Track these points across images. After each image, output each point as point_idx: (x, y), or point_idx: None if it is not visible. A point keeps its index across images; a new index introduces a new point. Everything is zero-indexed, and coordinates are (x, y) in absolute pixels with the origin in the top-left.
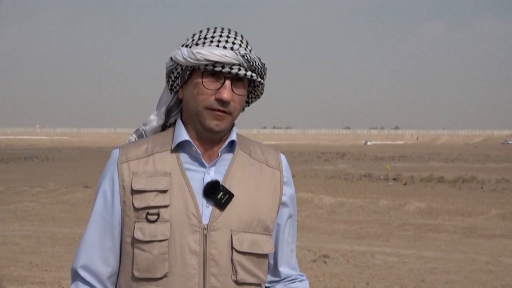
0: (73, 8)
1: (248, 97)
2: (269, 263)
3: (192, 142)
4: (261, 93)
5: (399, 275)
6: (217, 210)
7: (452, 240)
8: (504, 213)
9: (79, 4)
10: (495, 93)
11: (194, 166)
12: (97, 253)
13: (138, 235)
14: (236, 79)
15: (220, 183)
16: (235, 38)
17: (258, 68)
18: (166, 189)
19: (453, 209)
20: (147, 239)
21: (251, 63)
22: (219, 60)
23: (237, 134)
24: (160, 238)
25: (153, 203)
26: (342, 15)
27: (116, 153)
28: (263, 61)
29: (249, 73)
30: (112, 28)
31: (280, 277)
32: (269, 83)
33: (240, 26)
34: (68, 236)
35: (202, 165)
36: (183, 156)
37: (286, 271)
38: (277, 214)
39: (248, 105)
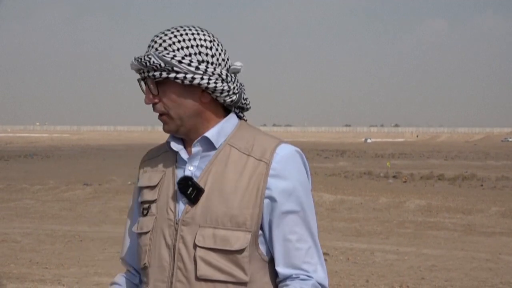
0: (73, 7)
1: (214, 93)
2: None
3: (173, 142)
4: (216, 88)
5: (399, 273)
6: (189, 206)
7: (452, 237)
8: (504, 210)
9: (79, 2)
10: (495, 91)
11: (182, 163)
12: (126, 246)
13: (135, 227)
14: (157, 82)
15: (193, 178)
16: (150, 41)
17: (152, 65)
18: (155, 184)
19: (453, 206)
20: (138, 231)
21: (144, 63)
22: (132, 69)
23: (241, 129)
24: (144, 230)
25: (145, 198)
26: (342, 13)
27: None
28: (172, 55)
29: (146, 73)
30: (112, 27)
31: (278, 277)
32: (269, 81)
33: (240, 25)
34: (68, 233)
35: (185, 162)
36: (178, 154)
37: (283, 271)
38: (260, 209)
39: (224, 101)
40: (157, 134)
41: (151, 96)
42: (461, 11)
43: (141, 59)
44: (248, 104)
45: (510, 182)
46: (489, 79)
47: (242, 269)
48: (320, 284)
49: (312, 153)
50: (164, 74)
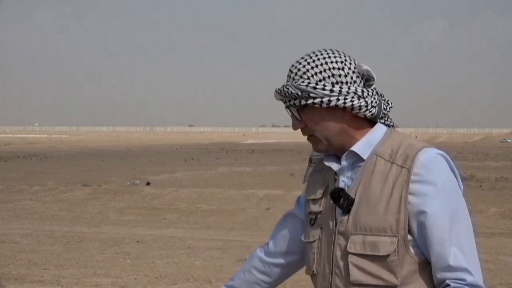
0: (73, 8)
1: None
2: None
3: (325, 158)
4: (353, 106)
5: None
6: (342, 215)
7: None
8: (503, 211)
9: (79, 3)
10: (494, 91)
11: (339, 176)
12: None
13: (303, 237)
14: (298, 108)
15: (343, 189)
16: (288, 71)
17: (291, 95)
18: (319, 197)
19: None
20: (306, 240)
21: (284, 94)
22: (276, 99)
23: (390, 137)
24: (311, 240)
25: (312, 209)
26: (341, 13)
27: (307, 173)
28: (304, 84)
29: (287, 103)
30: (111, 28)
31: (437, 283)
32: (268, 81)
33: (240, 25)
34: (67, 234)
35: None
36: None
37: (439, 275)
38: (405, 215)
39: (365, 115)
40: (156, 135)
41: (297, 123)
42: (460, 11)
43: (281, 90)
44: (390, 109)
45: (509, 183)
46: (488, 80)
47: (393, 273)
48: (476, 286)
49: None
50: (303, 102)
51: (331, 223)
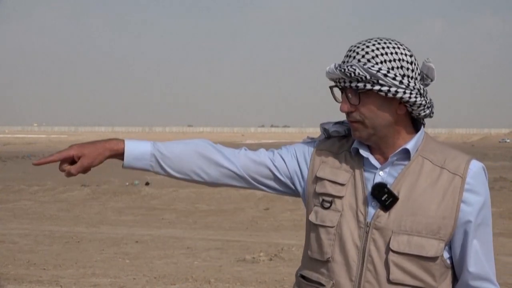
0: (72, 7)
1: (410, 106)
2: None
3: (360, 148)
4: (415, 103)
5: None
6: (381, 211)
7: None
8: (502, 211)
9: (78, 2)
10: (493, 91)
11: (370, 168)
12: (247, 154)
13: (312, 217)
14: (352, 91)
15: (387, 186)
16: (349, 51)
17: (357, 76)
18: (344, 183)
19: None
20: (318, 222)
21: (348, 74)
22: (328, 77)
23: (428, 141)
24: (328, 225)
25: (329, 191)
26: (340, 13)
27: (317, 140)
28: (377, 67)
29: (347, 83)
30: (110, 27)
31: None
32: (268, 82)
33: (240, 25)
34: (66, 234)
35: (374, 167)
36: (365, 159)
37: (473, 282)
38: (455, 221)
39: (417, 115)
40: (155, 135)
41: (348, 105)
42: (459, 12)
43: (344, 69)
44: (432, 114)
45: (508, 183)
46: (487, 80)
47: (433, 276)
48: None
49: None
50: (368, 86)
51: (361, 215)
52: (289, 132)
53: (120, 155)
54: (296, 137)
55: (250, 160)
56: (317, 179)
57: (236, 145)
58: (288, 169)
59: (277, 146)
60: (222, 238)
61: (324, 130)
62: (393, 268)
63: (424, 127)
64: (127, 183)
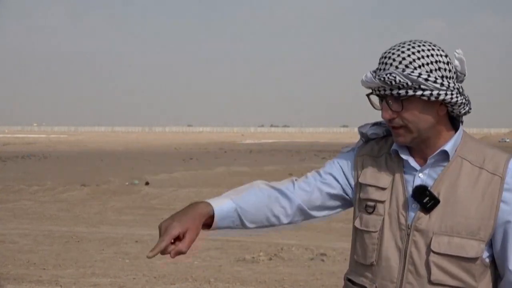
0: (72, 6)
1: (449, 106)
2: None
3: (400, 151)
4: (457, 102)
5: None
6: (422, 213)
7: None
8: None
9: (78, 2)
10: (493, 91)
11: (410, 170)
12: (305, 181)
13: (357, 223)
14: (393, 98)
15: (428, 188)
16: (384, 58)
17: (398, 84)
18: (385, 187)
19: None
20: (362, 228)
21: (389, 82)
22: (365, 86)
23: (466, 140)
24: (371, 229)
25: (372, 197)
26: (340, 13)
27: (356, 147)
28: (414, 72)
29: (388, 91)
30: (110, 26)
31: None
32: (267, 81)
33: (240, 25)
34: (65, 234)
35: (414, 169)
36: (404, 161)
37: (509, 281)
38: (495, 221)
39: (457, 113)
40: (155, 135)
41: (390, 112)
42: (458, 12)
43: (384, 77)
44: (470, 110)
45: None
46: (487, 80)
47: (473, 276)
48: None
49: (310, 153)
50: (411, 92)
51: (402, 218)
52: (288, 132)
53: (210, 218)
54: (295, 136)
55: (305, 192)
56: (361, 185)
57: (236, 145)
58: (339, 182)
59: (276, 146)
60: (222, 238)
61: (362, 134)
62: (434, 269)
63: (462, 124)
64: (127, 183)
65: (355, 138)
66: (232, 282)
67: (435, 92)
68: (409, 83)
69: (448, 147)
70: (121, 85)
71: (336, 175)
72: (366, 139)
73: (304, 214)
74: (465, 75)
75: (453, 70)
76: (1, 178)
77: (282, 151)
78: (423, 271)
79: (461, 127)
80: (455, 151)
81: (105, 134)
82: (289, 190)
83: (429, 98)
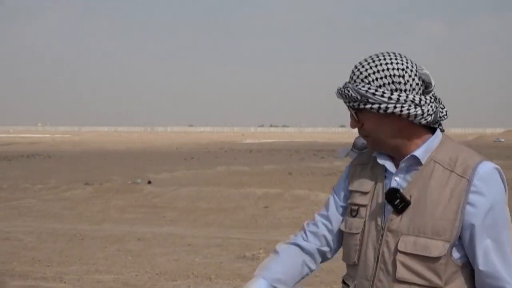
0: (74, 8)
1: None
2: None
3: (378, 156)
4: (409, 114)
5: None
6: (394, 215)
7: None
8: None
9: (81, 3)
10: (488, 91)
11: (389, 174)
12: (321, 217)
13: (342, 226)
14: (356, 110)
15: (399, 190)
16: (351, 71)
17: (350, 97)
18: (367, 191)
19: None
20: (346, 230)
21: (344, 95)
22: (337, 97)
23: (444, 144)
24: (354, 231)
25: (355, 201)
26: (339, 13)
27: (352, 158)
28: (367, 86)
29: (347, 103)
30: (113, 27)
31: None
32: (267, 81)
33: (240, 25)
34: (69, 232)
35: (391, 173)
36: (385, 167)
37: (484, 282)
38: (460, 222)
39: (419, 123)
40: (156, 135)
41: (354, 123)
42: (458, 12)
43: (342, 91)
44: (445, 117)
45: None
46: (482, 80)
47: (438, 275)
48: None
49: (309, 153)
50: (361, 105)
51: (379, 219)
52: (288, 132)
53: None
54: (295, 136)
55: (317, 238)
56: (350, 193)
57: (236, 145)
58: (340, 215)
59: (276, 145)
60: (223, 236)
61: (354, 145)
62: (399, 267)
63: (442, 129)
64: (130, 182)
65: (353, 137)
66: (233, 279)
67: (383, 106)
68: (358, 97)
69: (418, 152)
70: (123, 86)
71: (341, 197)
72: (357, 149)
73: (329, 247)
74: (431, 85)
75: (414, 82)
76: (6, 177)
77: (282, 150)
78: (390, 269)
79: (438, 132)
80: (429, 156)
81: (108, 134)
82: (304, 240)
83: (378, 111)
